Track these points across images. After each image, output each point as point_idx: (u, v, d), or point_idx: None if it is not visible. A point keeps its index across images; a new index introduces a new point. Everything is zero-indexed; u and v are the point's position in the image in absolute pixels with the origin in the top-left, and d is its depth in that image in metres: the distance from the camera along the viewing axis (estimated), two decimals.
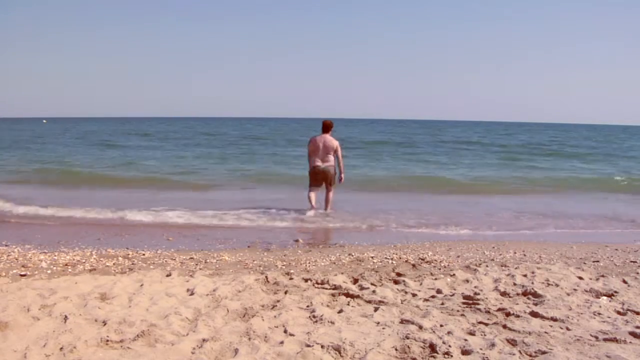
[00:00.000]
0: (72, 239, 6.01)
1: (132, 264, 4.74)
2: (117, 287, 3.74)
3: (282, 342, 2.79)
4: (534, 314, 3.33)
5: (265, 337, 2.86)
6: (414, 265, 4.78)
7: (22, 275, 4.23)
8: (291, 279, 4.17)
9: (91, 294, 3.53)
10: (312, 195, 8.19)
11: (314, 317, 3.21)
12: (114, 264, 4.73)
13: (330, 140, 8.06)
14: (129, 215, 7.70)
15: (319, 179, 8.16)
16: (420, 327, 3.04)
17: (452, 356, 2.66)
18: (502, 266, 4.76)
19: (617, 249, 5.82)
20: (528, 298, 3.74)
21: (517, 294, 3.84)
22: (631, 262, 5.13)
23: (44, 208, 8.09)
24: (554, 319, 3.24)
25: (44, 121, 78.30)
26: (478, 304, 3.54)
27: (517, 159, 21.11)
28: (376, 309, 3.39)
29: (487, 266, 4.75)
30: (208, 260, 4.92)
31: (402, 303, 3.58)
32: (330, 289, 3.90)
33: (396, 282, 4.13)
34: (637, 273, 4.61)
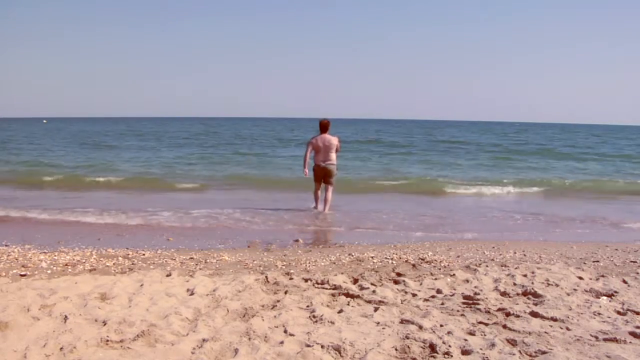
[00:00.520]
0: (72, 239, 6.01)
1: (132, 264, 4.74)
2: (117, 287, 3.74)
3: (282, 342, 2.79)
4: (534, 314, 3.33)
5: (265, 337, 2.86)
6: (414, 265, 4.78)
7: (22, 275, 4.24)
8: (291, 279, 4.17)
9: (91, 294, 3.53)
10: (318, 194, 8.48)
11: (314, 317, 3.21)
12: (114, 264, 4.73)
13: (330, 138, 8.25)
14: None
15: (321, 176, 8.36)
16: (420, 327, 3.04)
17: (452, 356, 2.66)
18: (502, 266, 4.76)
19: (617, 249, 5.82)
20: (528, 298, 3.74)
21: (517, 294, 3.84)
22: (631, 262, 5.13)
23: None
24: (554, 319, 3.24)
25: (44, 121, 78.30)
26: (478, 304, 3.54)
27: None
28: (376, 309, 3.39)
29: (487, 266, 4.75)
30: (208, 260, 4.92)
31: (402, 303, 3.58)
32: (330, 289, 3.90)
33: (396, 282, 4.13)
34: (637, 273, 4.61)
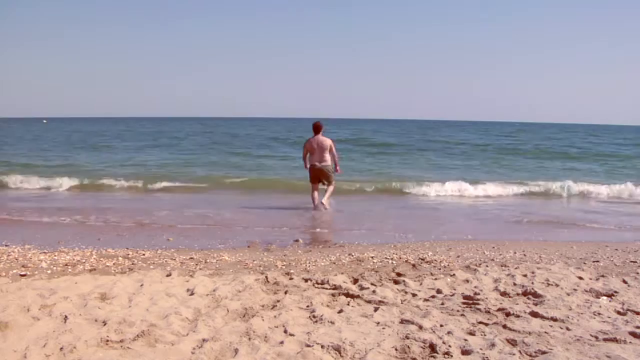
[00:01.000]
0: (72, 239, 6.01)
1: (132, 264, 4.74)
2: (117, 287, 3.74)
3: (282, 342, 2.79)
4: (534, 314, 3.33)
5: (265, 337, 2.86)
6: (414, 265, 4.78)
7: (22, 275, 4.24)
8: (291, 279, 4.17)
9: (91, 294, 3.53)
10: (315, 195, 8.64)
11: (314, 317, 3.21)
12: (114, 264, 4.73)
13: (324, 140, 8.56)
14: None
15: (316, 176, 8.63)
16: (420, 327, 3.04)
17: (452, 356, 2.66)
18: (502, 266, 4.76)
19: (617, 249, 5.82)
20: (528, 298, 3.74)
21: (517, 294, 3.84)
22: (631, 262, 5.13)
23: None
24: (554, 319, 3.24)
25: (44, 121, 78.31)
26: (478, 304, 3.54)
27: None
28: (376, 309, 3.39)
29: (487, 266, 4.75)
30: (208, 260, 4.92)
31: (402, 303, 3.58)
32: (330, 289, 3.90)
33: (396, 282, 4.13)
34: (637, 273, 4.61)
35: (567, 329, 3.09)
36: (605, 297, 3.79)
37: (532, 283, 4.09)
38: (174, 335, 2.86)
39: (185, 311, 3.23)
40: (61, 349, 2.63)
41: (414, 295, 3.79)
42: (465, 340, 2.85)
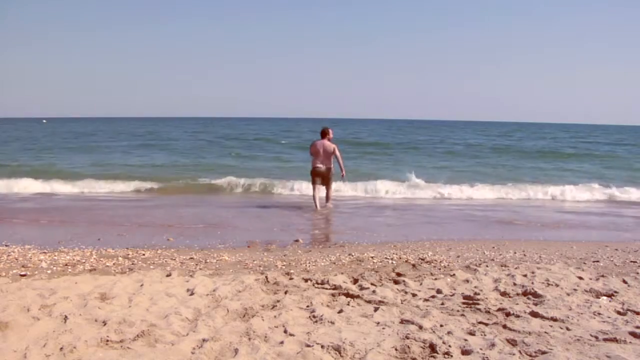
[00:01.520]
0: (72, 239, 6.01)
1: (132, 264, 4.74)
2: (117, 287, 3.74)
3: (282, 342, 2.79)
4: (534, 314, 3.33)
5: (265, 337, 2.86)
6: (414, 265, 4.78)
7: (22, 275, 4.24)
8: (291, 279, 4.17)
9: (91, 294, 3.53)
10: (316, 195, 8.93)
11: (314, 317, 3.21)
12: (114, 264, 4.73)
13: (328, 145, 8.86)
14: None
15: (318, 178, 8.93)
16: (420, 327, 3.04)
17: (452, 356, 2.66)
18: (502, 266, 4.76)
19: (617, 249, 5.82)
20: (528, 298, 3.74)
21: (517, 294, 3.84)
22: (631, 262, 5.13)
23: None
24: (554, 319, 3.24)
25: (44, 121, 78.30)
26: (478, 304, 3.54)
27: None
28: (376, 309, 3.39)
29: (487, 266, 4.75)
30: (208, 260, 4.93)
31: (402, 303, 3.58)
32: (330, 289, 3.90)
33: (396, 282, 4.13)
34: (637, 273, 4.61)
35: (567, 329, 3.09)
36: (605, 297, 3.79)
37: (532, 283, 4.09)
38: (174, 335, 2.86)
39: (185, 311, 3.23)
40: (61, 349, 2.63)
41: (414, 295, 3.79)
42: (465, 340, 2.85)
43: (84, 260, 4.81)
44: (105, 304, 3.38)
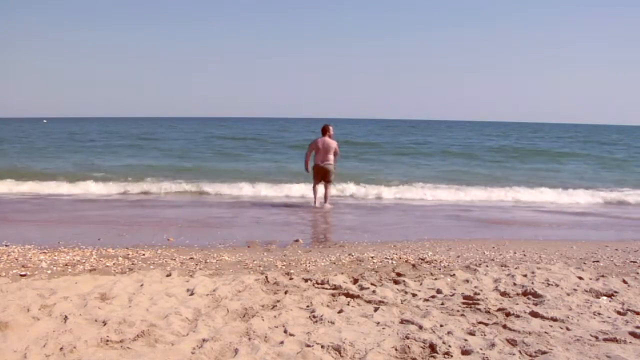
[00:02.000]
0: (72, 239, 6.00)
1: (132, 264, 4.74)
2: (117, 287, 3.74)
3: (282, 342, 2.79)
4: (534, 314, 3.33)
5: (265, 337, 2.86)
6: (414, 265, 4.78)
7: (22, 275, 4.23)
8: (291, 279, 4.17)
9: (91, 294, 3.53)
10: (317, 190, 9.08)
11: (314, 317, 3.21)
12: (114, 264, 4.73)
13: (330, 142, 8.98)
14: None
15: (319, 174, 9.03)
16: (420, 327, 3.04)
17: (452, 356, 2.66)
18: (502, 266, 4.76)
19: (617, 249, 5.82)
20: (528, 298, 3.74)
21: (517, 294, 3.84)
22: (631, 262, 5.14)
23: None
24: (554, 319, 3.24)
25: (44, 121, 78.30)
26: (478, 304, 3.54)
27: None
28: (376, 309, 3.39)
29: (487, 266, 4.75)
30: (208, 260, 4.92)
31: (402, 303, 3.58)
32: (330, 289, 3.90)
33: (396, 282, 4.13)
34: (637, 273, 4.61)
35: (567, 329, 3.09)
36: (605, 297, 3.79)
37: (532, 283, 4.09)
38: (174, 335, 2.86)
39: (185, 311, 3.23)
40: (61, 349, 2.63)
41: (414, 295, 3.79)
42: (465, 340, 2.85)
43: (84, 260, 4.81)
44: (105, 304, 3.38)
